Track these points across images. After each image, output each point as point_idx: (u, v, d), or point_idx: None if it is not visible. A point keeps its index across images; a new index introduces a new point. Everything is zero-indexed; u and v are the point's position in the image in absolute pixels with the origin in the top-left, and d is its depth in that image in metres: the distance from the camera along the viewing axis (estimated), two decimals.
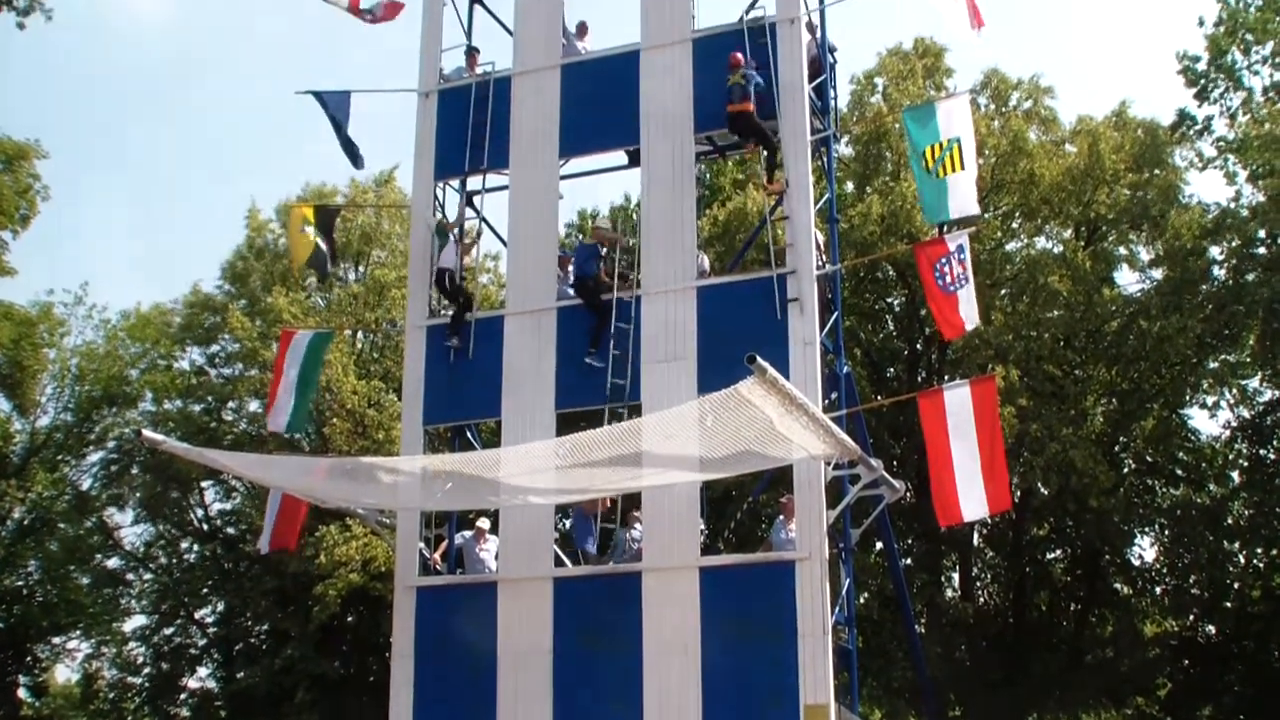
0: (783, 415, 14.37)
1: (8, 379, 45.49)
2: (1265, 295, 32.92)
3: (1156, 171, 37.27)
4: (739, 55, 19.91)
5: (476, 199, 21.96)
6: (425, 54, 22.49)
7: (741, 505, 35.02)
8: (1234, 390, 37.85)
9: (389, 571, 28.78)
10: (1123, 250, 38.88)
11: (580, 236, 21.20)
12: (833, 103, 21.21)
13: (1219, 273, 35.81)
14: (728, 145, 22.52)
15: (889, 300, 40.53)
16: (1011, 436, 32.03)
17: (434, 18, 22.62)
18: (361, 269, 45.15)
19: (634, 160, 20.86)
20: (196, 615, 45.79)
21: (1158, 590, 38.96)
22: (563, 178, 21.53)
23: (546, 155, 21.09)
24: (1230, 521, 36.68)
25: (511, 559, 19.81)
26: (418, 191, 22.17)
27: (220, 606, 45.00)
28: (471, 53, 22.54)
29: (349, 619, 41.22)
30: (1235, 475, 37.48)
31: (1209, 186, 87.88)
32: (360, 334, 43.77)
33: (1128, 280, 38.82)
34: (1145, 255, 38.59)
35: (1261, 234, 34.20)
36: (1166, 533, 37.83)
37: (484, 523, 20.76)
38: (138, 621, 46.99)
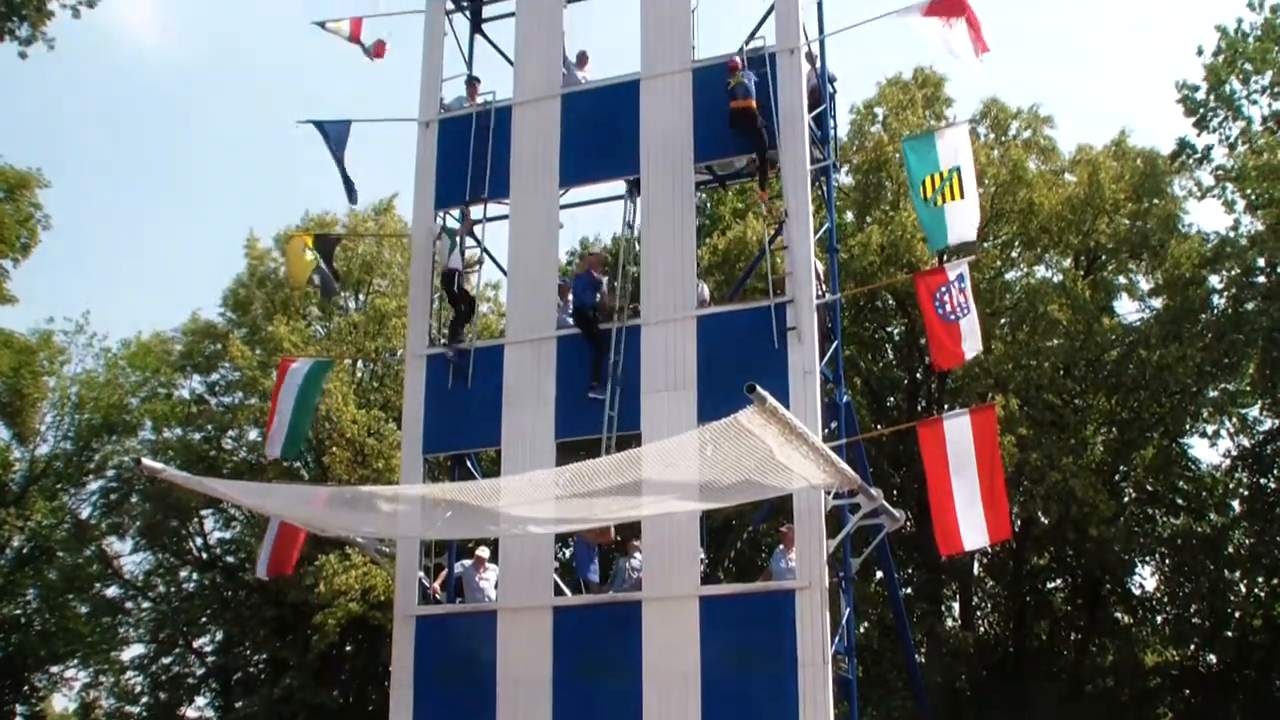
0: (783, 444, 14.36)
1: (7, 407, 45.49)
2: (1265, 324, 32.95)
3: (1156, 201, 37.36)
4: (737, 60, 20.03)
5: (477, 228, 21.97)
6: (426, 83, 22.54)
7: (741, 534, 34.97)
8: (1234, 419, 37.86)
9: (388, 600, 28.73)
10: (1122, 279, 38.96)
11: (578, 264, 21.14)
12: (832, 132, 21.25)
13: (1218, 301, 35.86)
14: (728, 175, 22.56)
15: (889, 329, 40.58)
16: (1011, 465, 32.02)
17: (435, 47, 22.68)
18: (362, 298, 45.19)
19: (634, 190, 20.88)
20: (195, 644, 45.72)
21: (1158, 619, 38.91)
22: (563, 207, 21.58)
23: (546, 184, 21.13)
24: (1231, 550, 36.63)
25: (511, 588, 19.77)
26: (418, 221, 22.19)
27: (219, 635, 44.92)
28: (472, 82, 22.59)
29: (348, 648, 41.15)
30: (1236, 504, 37.46)
31: (1208, 215, 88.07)
32: (360, 363, 43.77)
33: (1127, 309, 38.94)
34: (1145, 284, 38.69)
35: (1261, 263, 34.25)
36: (1167, 562, 37.81)
37: (483, 551, 20.72)
38: (136, 650, 46.96)
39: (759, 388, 13.14)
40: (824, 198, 20.83)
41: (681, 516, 18.35)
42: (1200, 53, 36.26)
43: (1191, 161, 37.22)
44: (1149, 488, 38.03)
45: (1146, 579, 39.30)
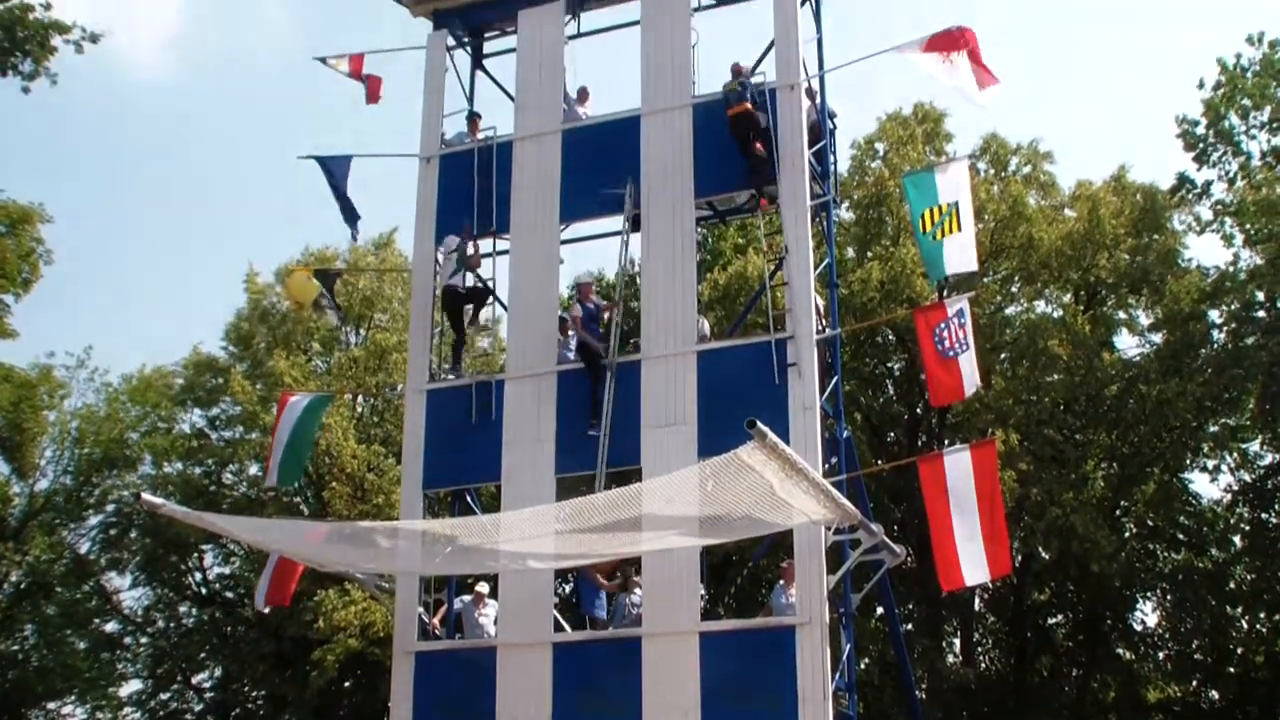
0: (783, 480, 14.34)
1: (7, 442, 45.43)
2: (1264, 359, 32.98)
3: (1155, 236, 37.46)
4: (741, 65, 20.20)
5: (484, 263, 22.01)
6: (427, 119, 22.59)
7: (742, 570, 34.93)
8: (1234, 454, 37.88)
9: (387, 636, 28.63)
10: (1122, 314, 39.01)
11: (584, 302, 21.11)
12: (833, 168, 21.30)
13: (1218, 336, 35.91)
14: (728, 210, 22.61)
15: (889, 365, 40.60)
16: (1012, 501, 31.99)
17: (436, 83, 22.74)
18: (362, 333, 45.24)
19: (635, 225, 20.89)
20: (193, 680, 45.56)
21: (1160, 655, 38.82)
22: (564, 242, 21.60)
23: (547, 220, 21.15)
24: (1233, 586, 36.58)
25: (511, 624, 19.69)
26: (418, 256, 22.21)
27: (217, 671, 44.80)
28: (473, 118, 22.64)
29: (347, 684, 41.01)
30: (1237, 540, 37.41)
31: (1207, 249, 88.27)
32: (361, 398, 43.79)
33: (1127, 344, 38.96)
34: (1145, 319, 38.75)
35: (1260, 297, 34.31)
36: (1169, 597, 37.73)
37: (483, 587, 20.66)
38: (134, 686, 46.73)
39: (759, 423, 13.13)
40: (824, 233, 20.84)
41: (682, 552, 18.31)
42: (1201, 85, 36.44)
43: (1191, 196, 37.37)
44: (1150, 523, 37.98)
45: (1148, 615, 39.28)
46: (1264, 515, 36.66)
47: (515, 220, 21.35)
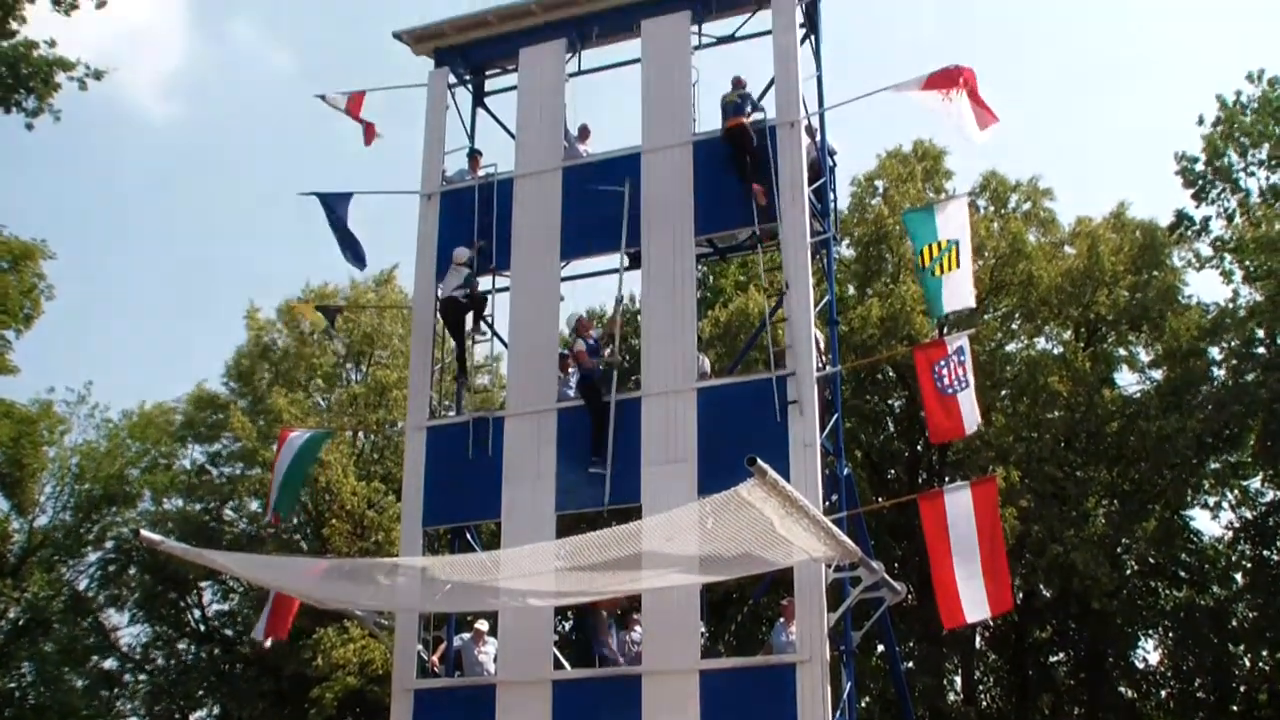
0: (783, 517, 14.32)
1: (6, 478, 45.39)
2: (1265, 395, 32.99)
3: (1155, 273, 37.54)
4: (741, 77, 20.31)
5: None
6: (428, 156, 22.64)
7: (742, 608, 34.83)
8: (1235, 491, 37.85)
9: (386, 674, 28.56)
10: (1122, 351, 39.04)
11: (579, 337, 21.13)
12: (833, 205, 21.33)
13: (1219, 373, 35.93)
14: (729, 247, 22.64)
15: (889, 402, 40.59)
16: (1013, 538, 31.94)
17: (437, 120, 22.81)
18: (363, 369, 45.26)
19: (635, 262, 20.92)
20: (191, 717, 45.38)
21: (1162, 694, 38.64)
22: (564, 279, 21.62)
23: (548, 257, 21.17)
24: (1235, 624, 36.47)
25: (510, 661, 19.62)
26: (419, 293, 22.23)
27: (216, 709, 44.61)
28: (474, 155, 22.70)
29: None
30: (1239, 577, 37.32)
31: (1206, 285, 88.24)
32: (361, 435, 43.78)
33: (1128, 381, 38.98)
34: (1145, 356, 38.76)
35: (1260, 334, 34.35)
36: (1170, 635, 37.63)
37: (482, 624, 20.59)
38: None
39: (759, 460, 13.12)
40: (825, 270, 20.87)
41: (681, 589, 18.25)
42: (1201, 121, 36.58)
43: (1190, 233, 37.46)
44: (1151, 560, 37.91)
45: (1150, 652, 39.17)
46: (1266, 552, 36.62)
47: (516, 257, 21.38)
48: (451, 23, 22.99)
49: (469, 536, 21.56)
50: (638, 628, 19.33)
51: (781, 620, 19.03)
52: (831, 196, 21.24)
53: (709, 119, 20.92)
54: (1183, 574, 38.16)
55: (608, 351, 20.74)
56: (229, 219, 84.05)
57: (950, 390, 18.93)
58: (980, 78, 19.95)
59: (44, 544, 46.80)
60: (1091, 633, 36.21)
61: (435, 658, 20.78)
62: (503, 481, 20.13)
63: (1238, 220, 36.30)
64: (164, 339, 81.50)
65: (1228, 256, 35.92)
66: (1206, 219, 37.14)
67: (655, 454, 19.29)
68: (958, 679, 38.82)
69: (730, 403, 19.31)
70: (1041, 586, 35.18)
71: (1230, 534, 37.92)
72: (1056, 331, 39.26)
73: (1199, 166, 36.80)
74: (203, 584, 45.02)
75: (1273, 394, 32.76)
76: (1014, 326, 39.40)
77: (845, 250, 39.24)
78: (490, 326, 22.23)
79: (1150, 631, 38.19)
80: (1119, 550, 37.32)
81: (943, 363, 19.02)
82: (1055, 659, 40.01)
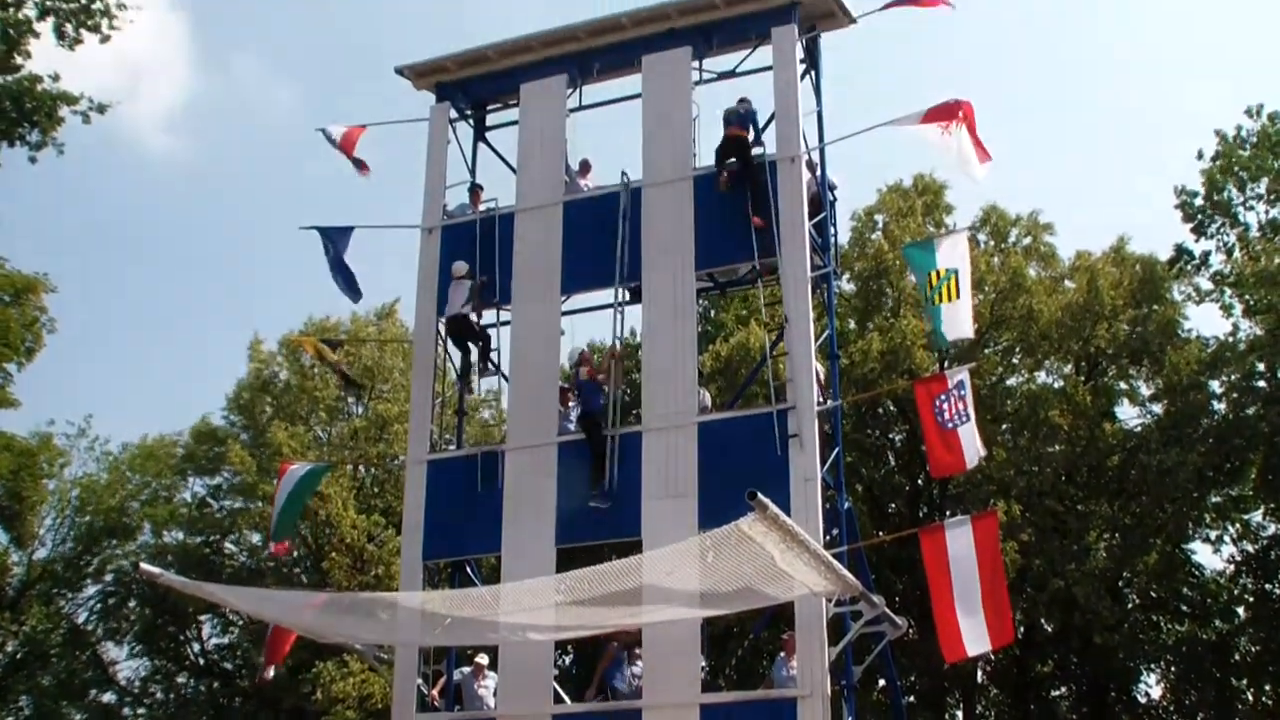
0: (784, 551, 14.32)
1: (6, 510, 45.35)
2: (1265, 429, 32.99)
3: (1155, 307, 37.60)
4: (747, 98, 20.54)
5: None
6: (429, 190, 22.71)
7: (743, 642, 34.73)
8: (1237, 524, 37.80)
9: (386, 708, 28.41)
10: (1123, 385, 39.04)
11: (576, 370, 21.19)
12: (833, 239, 21.37)
13: (1219, 406, 35.93)
14: (729, 281, 22.67)
15: (890, 436, 40.58)
16: (1014, 572, 31.90)
17: (438, 154, 22.89)
18: (364, 403, 45.25)
19: (635, 296, 20.96)
20: None
21: None
22: (564, 313, 21.65)
23: (548, 291, 21.21)
24: (1237, 658, 36.37)
25: (510, 695, 19.58)
26: (420, 327, 22.28)
27: None
28: (475, 189, 22.78)
29: None
30: (1241, 611, 37.23)
31: (1206, 319, 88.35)
32: (361, 468, 43.78)
33: (1128, 414, 38.97)
34: (1145, 390, 38.76)
35: (1261, 367, 34.38)
36: (1173, 669, 37.51)
37: (483, 658, 20.55)
38: None
39: (760, 494, 13.13)
40: (825, 305, 20.89)
41: (682, 623, 18.22)
42: (1200, 155, 36.70)
43: (1190, 267, 37.53)
44: (1153, 594, 37.84)
45: (1152, 687, 39.01)
46: (1268, 586, 36.56)
47: (517, 291, 21.43)
48: (453, 58, 23.10)
49: (469, 570, 21.54)
50: (639, 661, 19.29)
51: (782, 654, 19.00)
52: (832, 231, 21.28)
53: (710, 154, 20.99)
54: (1185, 608, 38.08)
55: (602, 376, 20.70)
56: (231, 252, 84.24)
57: (951, 424, 18.93)
58: (980, 111, 20.05)
59: (43, 577, 46.73)
60: (1093, 667, 36.10)
61: (435, 692, 20.72)
62: (503, 515, 20.12)
63: (1237, 254, 36.38)
64: (165, 372, 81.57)
65: (1227, 290, 35.98)
66: (1206, 253, 37.25)
67: (656, 488, 19.28)
68: (959, 714, 38.69)
69: (731, 437, 19.32)
70: (1043, 620, 35.09)
71: (1232, 568, 37.89)
72: (1057, 365, 39.28)
73: (1198, 201, 36.90)
74: (202, 617, 44.95)
75: (1273, 427, 32.77)
76: (1015, 360, 39.42)
77: (846, 285, 39.32)
78: (496, 365, 22.22)
79: (1152, 666, 38.07)
80: (1120, 584, 37.27)
81: (943, 397, 19.03)
82: (1057, 693, 39.89)
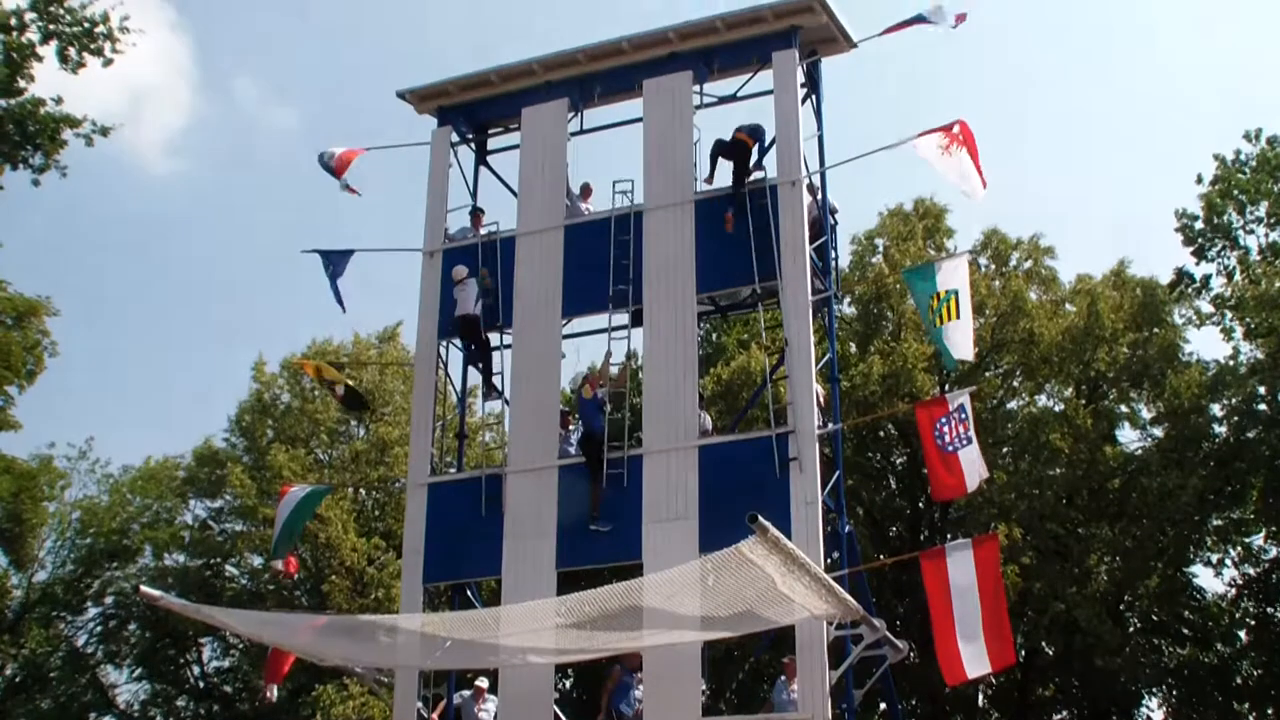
0: (785, 575, 14.32)
1: (6, 533, 45.32)
2: (1266, 452, 32.99)
3: (1155, 330, 37.62)
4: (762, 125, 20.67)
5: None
6: (430, 213, 22.77)
7: (743, 665, 34.69)
8: (1238, 547, 37.75)
9: None
10: (1124, 408, 39.02)
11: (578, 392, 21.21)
12: (834, 263, 21.40)
13: (1220, 430, 35.93)
14: (730, 305, 22.69)
15: (891, 459, 40.56)
16: (1015, 595, 31.85)
17: (439, 178, 22.95)
18: (365, 426, 45.26)
19: (636, 320, 20.98)
20: None
21: None
22: (565, 337, 21.68)
23: (549, 315, 21.24)
24: (1239, 681, 36.29)
25: (511, 719, 19.56)
26: (421, 349, 22.33)
27: None
28: (476, 213, 22.84)
29: None
30: (1242, 634, 37.17)
31: (1207, 342, 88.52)
32: (362, 491, 43.75)
33: (1129, 438, 38.97)
34: (1146, 413, 38.75)
35: (1262, 391, 34.39)
36: (1174, 693, 37.41)
37: (483, 682, 20.54)
38: None
39: (760, 518, 13.13)
40: (826, 328, 20.91)
41: (683, 647, 18.20)
42: (1200, 180, 36.77)
43: (1190, 291, 37.58)
44: (1154, 617, 37.78)
45: (1154, 710, 38.90)
46: (1269, 609, 36.51)
47: (518, 315, 21.46)
48: (455, 82, 23.17)
49: (469, 593, 21.52)
50: (639, 685, 19.26)
51: (783, 678, 18.99)
52: (833, 254, 21.31)
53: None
54: (1186, 631, 38.03)
55: (603, 386, 20.70)
56: (232, 274, 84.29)
57: (952, 447, 18.92)
58: (981, 135, 20.07)
59: (43, 599, 46.67)
60: (1095, 690, 36.01)
61: (435, 715, 20.71)
62: (504, 538, 20.13)
63: (1238, 277, 36.44)
64: (166, 395, 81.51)
65: (1228, 314, 36.02)
66: (1207, 276, 37.35)
67: (656, 511, 19.29)
68: None
69: (732, 460, 19.32)
70: (1044, 644, 35.01)
71: (1233, 591, 37.83)
72: (1058, 389, 39.27)
73: (1198, 224, 36.97)
74: (203, 640, 44.89)
75: (1274, 451, 32.78)
76: (1015, 384, 39.43)
77: (847, 308, 39.35)
78: (499, 390, 22.22)
79: (1154, 689, 37.96)
80: (1122, 607, 37.22)
81: (944, 420, 19.01)
82: (1059, 717, 39.75)
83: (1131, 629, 37.28)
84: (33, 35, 24.74)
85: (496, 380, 21.94)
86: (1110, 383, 38.41)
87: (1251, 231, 36.94)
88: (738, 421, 25.78)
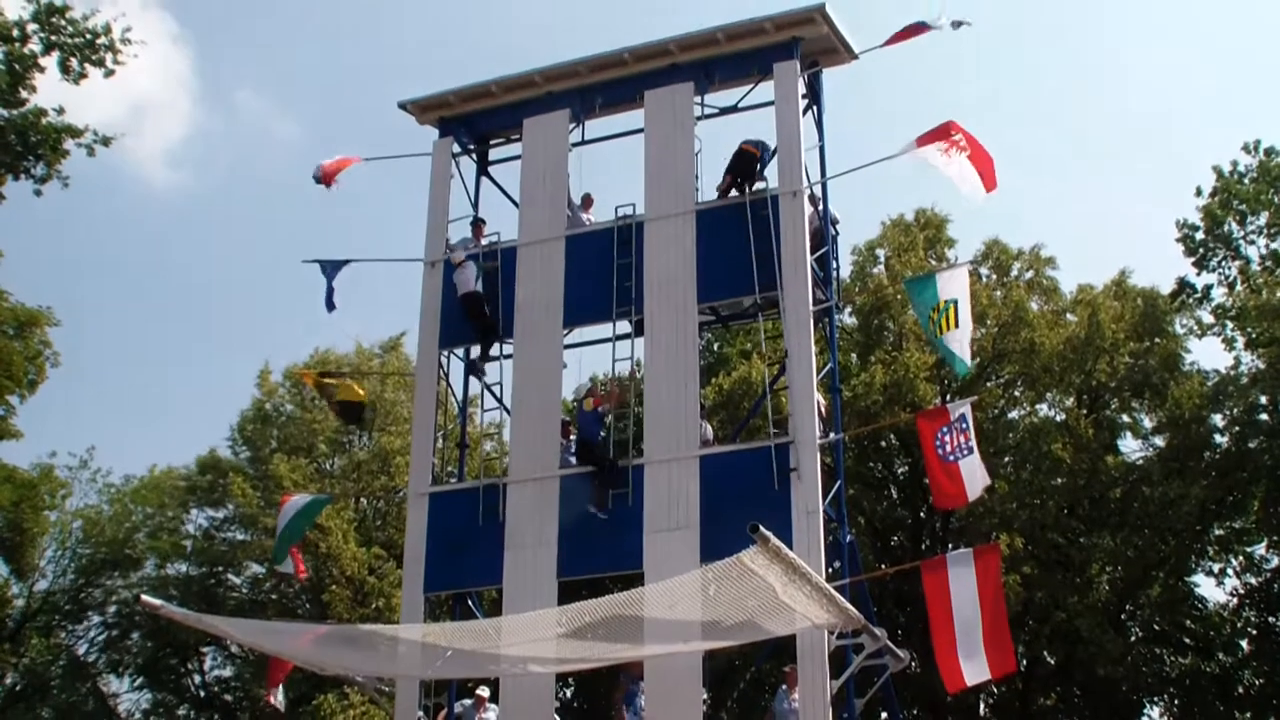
0: (786, 584, 14.31)
1: (7, 542, 45.30)
2: (1268, 462, 32.98)
3: (1157, 340, 37.64)
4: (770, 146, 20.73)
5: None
6: (431, 224, 22.80)
7: (745, 674, 34.62)
8: (1240, 557, 37.72)
9: None
10: (1125, 418, 39.02)
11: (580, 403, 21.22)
12: (835, 273, 21.41)
13: (1221, 439, 35.92)
14: (731, 315, 22.71)
15: (892, 469, 40.55)
16: (1017, 605, 31.82)
17: (441, 188, 22.98)
18: (367, 436, 45.29)
19: (638, 330, 20.99)
20: None
21: None
22: (567, 346, 21.69)
23: (550, 325, 21.27)
24: (1241, 691, 36.24)
25: None
26: (422, 360, 22.35)
27: None
28: (477, 223, 22.87)
29: None
30: (1244, 644, 37.12)
31: (1208, 352, 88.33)
32: (363, 501, 43.76)
33: (1130, 448, 38.95)
34: (1148, 423, 38.75)
35: (1263, 400, 34.39)
36: (1176, 703, 37.36)
37: (484, 691, 20.55)
38: None
39: (761, 527, 13.13)
40: (827, 338, 20.94)
41: (684, 656, 18.20)
42: (1199, 192, 36.80)
43: (1191, 301, 37.59)
44: (1156, 627, 37.73)
45: None
46: (1271, 619, 36.45)
47: (519, 325, 21.49)
48: (456, 93, 23.22)
49: (470, 603, 21.53)
50: (641, 694, 19.26)
51: (784, 687, 19.00)
52: (834, 265, 21.32)
53: (712, 188, 21.10)
54: (1188, 641, 37.97)
55: (607, 405, 20.73)
56: (234, 285, 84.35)
57: (953, 457, 18.93)
58: (980, 141, 20.06)
59: (44, 608, 46.65)
60: (1096, 700, 35.96)
61: None
62: (505, 547, 20.14)
63: (1239, 287, 36.46)
64: (167, 405, 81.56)
65: (1229, 324, 36.04)
66: (1208, 286, 37.34)
67: (658, 520, 19.30)
68: None
69: (733, 470, 19.35)
70: (1046, 653, 34.95)
71: (1235, 600, 37.77)
72: (1059, 398, 39.26)
73: (1199, 235, 37.00)
74: (204, 650, 44.87)
75: (1276, 460, 32.77)
76: (1016, 394, 39.42)
77: (847, 318, 39.36)
78: (499, 399, 22.26)
79: (1156, 699, 37.92)
80: (1123, 617, 37.17)
81: (945, 430, 19.03)
82: None
83: (1133, 638, 37.22)
84: (35, 46, 24.81)
85: (497, 386, 22.00)
86: (1111, 392, 38.40)
87: (1252, 242, 36.99)
88: (739, 431, 25.79)
